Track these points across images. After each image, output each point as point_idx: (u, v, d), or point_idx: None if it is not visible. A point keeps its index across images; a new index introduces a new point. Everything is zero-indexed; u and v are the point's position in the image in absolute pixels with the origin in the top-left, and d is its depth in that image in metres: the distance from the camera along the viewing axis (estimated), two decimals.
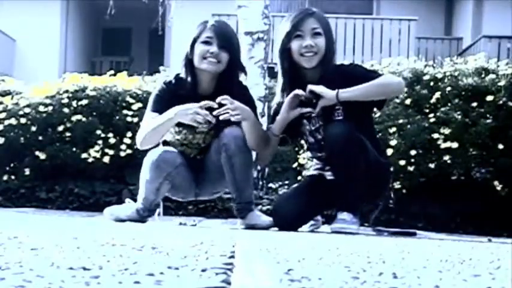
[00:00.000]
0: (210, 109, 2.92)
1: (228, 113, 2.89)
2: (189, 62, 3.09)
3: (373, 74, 2.98)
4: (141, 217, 3.09)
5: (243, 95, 3.09)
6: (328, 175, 3.10)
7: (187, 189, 3.21)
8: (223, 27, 3.11)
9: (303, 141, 3.26)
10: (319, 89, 2.90)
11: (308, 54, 2.93)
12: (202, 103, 2.92)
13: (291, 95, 2.96)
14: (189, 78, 3.09)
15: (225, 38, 3.04)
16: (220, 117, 2.91)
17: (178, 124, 3.03)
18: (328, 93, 2.87)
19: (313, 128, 3.06)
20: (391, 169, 3.23)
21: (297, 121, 3.04)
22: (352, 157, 2.79)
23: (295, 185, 3.24)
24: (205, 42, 3.02)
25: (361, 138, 2.85)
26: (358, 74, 2.95)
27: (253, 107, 3.11)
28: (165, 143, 3.19)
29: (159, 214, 3.21)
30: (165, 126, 3.00)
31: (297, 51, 2.94)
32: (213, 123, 2.97)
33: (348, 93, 2.84)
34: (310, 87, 2.92)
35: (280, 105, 3.07)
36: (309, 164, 3.34)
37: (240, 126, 2.99)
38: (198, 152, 3.19)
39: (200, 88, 3.10)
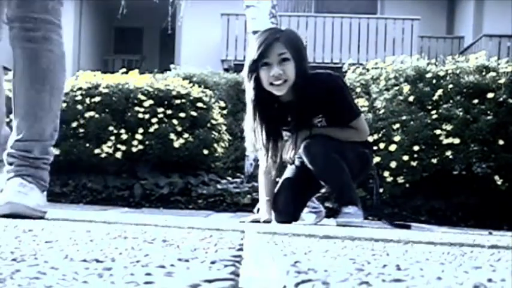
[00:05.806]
0: None
1: None
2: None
3: (349, 117, 3.04)
4: None
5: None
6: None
7: None
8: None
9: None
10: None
11: (277, 82, 2.87)
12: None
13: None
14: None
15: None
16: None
17: None
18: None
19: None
20: (371, 156, 3.30)
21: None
22: (335, 170, 2.95)
23: (282, 178, 3.26)
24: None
25: (338, 148, 2.95)
26: (337, 104, 2.99)
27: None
28: None
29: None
30: None
31: (266, 81, 2.89)
32: None
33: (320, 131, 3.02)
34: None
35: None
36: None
37: None
38: None
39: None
